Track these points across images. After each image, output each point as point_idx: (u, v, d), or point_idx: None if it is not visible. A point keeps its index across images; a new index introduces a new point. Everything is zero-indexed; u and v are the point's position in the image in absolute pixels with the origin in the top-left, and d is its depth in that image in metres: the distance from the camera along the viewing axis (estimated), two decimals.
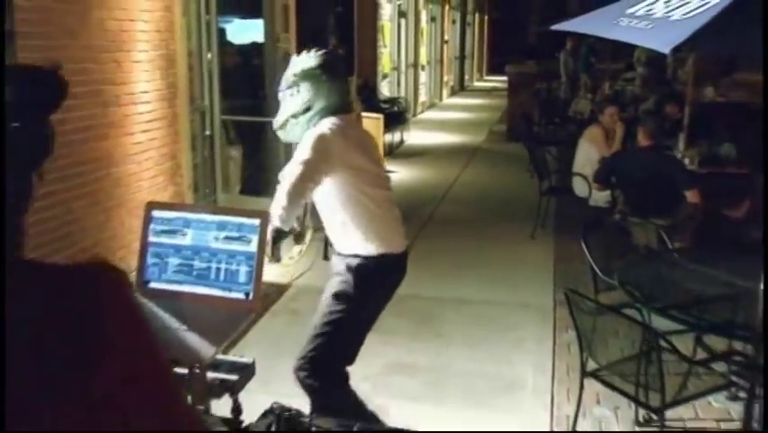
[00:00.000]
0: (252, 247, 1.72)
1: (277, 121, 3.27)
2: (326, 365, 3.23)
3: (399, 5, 16.67)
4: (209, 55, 7.12)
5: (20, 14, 4.19)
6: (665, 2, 3.19)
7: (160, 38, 6.11)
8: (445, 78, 23.14)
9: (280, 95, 3.25)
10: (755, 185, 5.84)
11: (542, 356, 4.73)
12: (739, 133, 7.19)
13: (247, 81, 8.65)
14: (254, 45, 8.92)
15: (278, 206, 2.96)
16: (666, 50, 3.04)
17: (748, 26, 2.84)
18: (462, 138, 14.57)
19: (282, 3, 7.81)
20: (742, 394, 3.81)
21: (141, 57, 5.81)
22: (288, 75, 3.22)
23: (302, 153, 3.01)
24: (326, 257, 6.56)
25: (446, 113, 19.41)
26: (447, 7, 23.08)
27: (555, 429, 3.87)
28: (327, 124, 3.10)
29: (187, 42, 6.69)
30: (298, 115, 3.15)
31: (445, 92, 23.07)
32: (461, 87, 26.03)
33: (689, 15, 2.99)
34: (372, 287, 3.27)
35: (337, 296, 3.22)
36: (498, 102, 18.59)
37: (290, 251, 3.23)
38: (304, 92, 3.14)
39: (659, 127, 6.18)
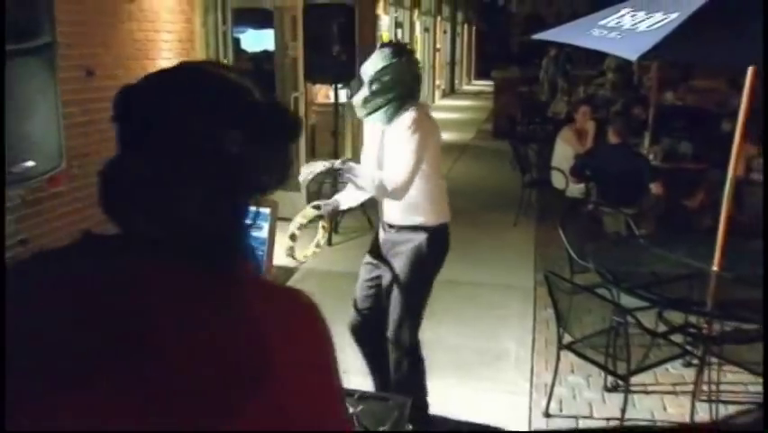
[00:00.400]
0: (264, 233, 1.73)
1: (358, 100, 3.21)
2: (416, 333, 3.31)
3: (396, 17, 16.62)
4: (225, 61, 7.12)
5: (60, 27, 4.22)
6: (632, 16, 3.20)
7: (182, 47, 6.12)
8: (437, 82, 23.08)
9: (366, 78, 3.16)
10: (709, 178, 5.88)
11: (523, 331, 4.76)
12: (695, 132, 7.22)
13: (259, 85, 8.64)
14: (265, 52, 8.91)
15: (389, 187, 2.96)
16: (634, 57, 3.04)
17: (704, 38, 2.86)
18: (453, 135, 14.54)
19: (291, 15, 7.80)
20: (695, 361, 3.86)
21: (165, 64, 5.80)
22: (376, 66, 3.11)
23: (410, 147, 2.97)
24: (330, 242, 6.59)
25: (438, 113, 19.34)
26: (439, 19, 23.01)
27: (534, 396, 3.90)
28: (415, 112, 3.05)
29: (206, 50, 6.69)
30: (383, 105, 3.10)
31: (438, 94, 23.02)
32: (451, 90, 25.97)
33: (653, 27, 3.00)
34: (441, 252, 3.31)
35: (414, 265, 3.22)
36: (485, 103, 18.57)
37: (305, 249, 3.19)
38: (390, 84, 3.07)
39: (627, 127, 6.20)
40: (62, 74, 4.29)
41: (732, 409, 3.74)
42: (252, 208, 1.66)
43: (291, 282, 5.68)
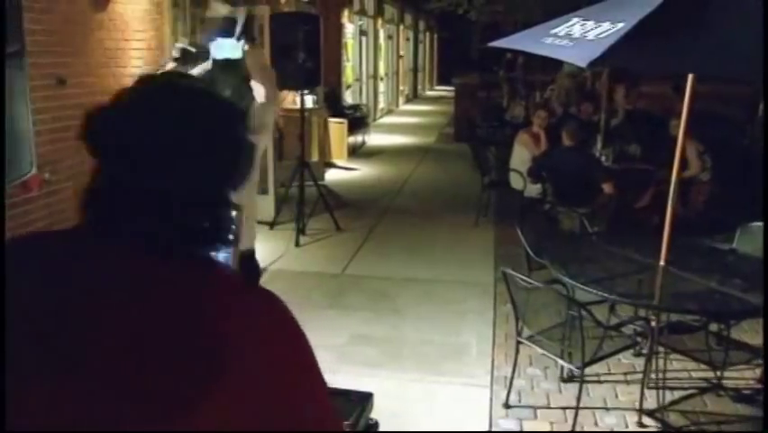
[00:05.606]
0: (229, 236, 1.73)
1: None
2: None
3: (360, 25, 16.64)
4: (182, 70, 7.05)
5: (31, 36, 4.16)
6: (581, 25, 3.26)
7: (152, 55, 6.06)
8: (401, 88, 23.14)
9: None
10: (657, 178, 5.99)
11: (484, 326, 4.78)
12: (643, 135, 7.36)
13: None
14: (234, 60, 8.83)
15: None
16: (584, 64, 3.09)
17: (647, 47, 2.93)
18: (416, 139, 14.59)
19: (258, 23, 7.77)
20: (644, 351, 3.93)
21: (135, 71, 5.76)
22: None
23: None
24: (298, 243, 6.57)
25: (402, 118, 19.41)
26: (402, 27, 23.08)
27: (495, 387, 3.92)
28: None
29: None
30: None
31: (401, 100, 23.08)
32: (414, 96, 26.05)
33: (601, 36, 3.05)
34: None
35: None
36: (446, 108, 18.65)
37: None
38: None
39: (580, 130, 6.30)
40: (34, 82, 4.23)
41: (677, 394, 3.83)
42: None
43: (259, 283, 5.64)
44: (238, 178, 1.00)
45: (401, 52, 23.08)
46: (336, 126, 11.04)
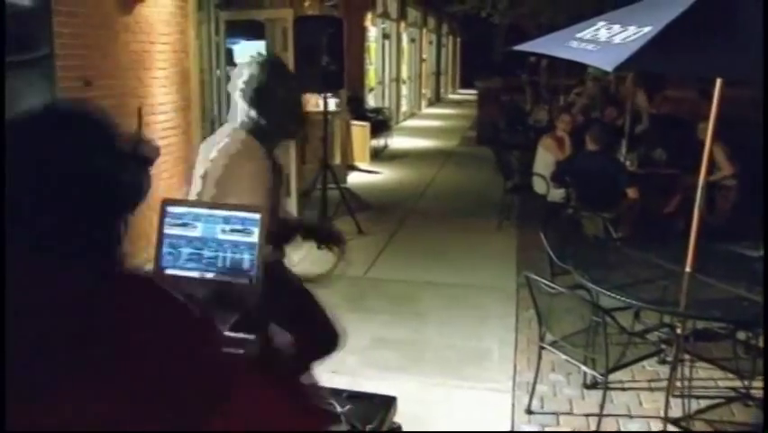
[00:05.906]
0: (254, 238, 1.73)
1: None
2: None
3: (384, 29, 16.67)
4: (218, 72, 7.11)
5: (59, 39, 4.22)
6: (607, 29, 3.24)
7: (177, 57, 6.12)
8: (423, 91, 23.14)
9: None
10: (683, 183, 5.92)
11: (506, 331, 4.76)
12: (668, 139, 7.27)
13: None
14: None
15: None
16: (609, 68, 3.07)
17: (674, 51, 2.90)
18: (439, 143, 14.57)
19: (282, 26, 7.81)
20: (669, 359, 3.88)
21: (160, 74, 5.82)
22: None
23: None
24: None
25: (424, 121, 19.39)
26: (425, 30, 23.09)
27: (517, 393, 3.90)
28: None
29: (200, 61, 6.69)
30: None
31: (423, 103, 23.07)
32: (437, 99, 26.04)
33: (627, 40, 3.03)
34: None
35: None
36: (469, 111, 18.59)
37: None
38: None
39: (604, 134, 6.25)
40: (61, 84, 4.29)
41: (703, 403, 3.77)
42: (242, 215, 1.66)
43: None
44: (117, 207, 1.08)
45: (424, 56, 23.09)
46: (359, 129, 11.06)
